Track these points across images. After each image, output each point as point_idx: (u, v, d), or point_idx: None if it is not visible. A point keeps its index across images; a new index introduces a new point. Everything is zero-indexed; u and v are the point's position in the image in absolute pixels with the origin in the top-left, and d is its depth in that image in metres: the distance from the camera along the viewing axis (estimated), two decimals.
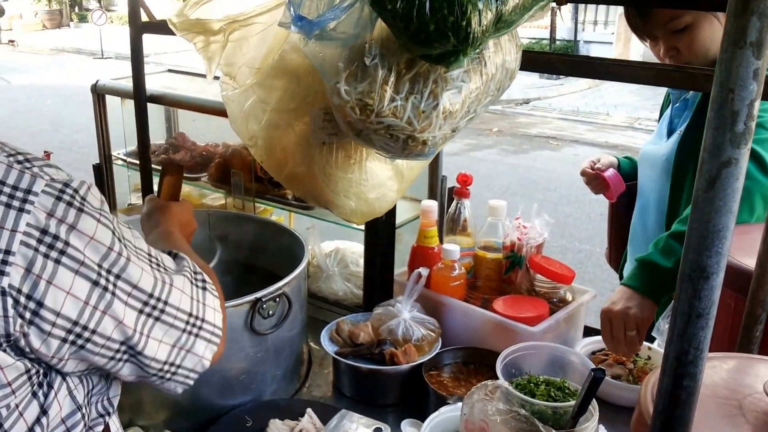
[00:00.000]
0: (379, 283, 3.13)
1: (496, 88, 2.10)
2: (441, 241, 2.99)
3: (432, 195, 3.34)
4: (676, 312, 1.27)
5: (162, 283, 1.53)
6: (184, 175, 2.52)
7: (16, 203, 1.33)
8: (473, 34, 1.75)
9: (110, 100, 4.14)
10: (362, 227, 3.09)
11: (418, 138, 1.96)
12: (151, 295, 1.50)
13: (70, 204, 1.39)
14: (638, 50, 19.09)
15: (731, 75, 1.13)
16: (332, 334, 2.83)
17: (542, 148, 13.74)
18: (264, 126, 2.34)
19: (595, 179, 3.31)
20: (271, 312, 2.51)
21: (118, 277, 1.44)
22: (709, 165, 1.17)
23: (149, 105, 3.79)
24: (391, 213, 2.99)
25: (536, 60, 2.41)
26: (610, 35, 22.49)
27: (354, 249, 3.53)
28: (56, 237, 1.35)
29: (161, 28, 2.43)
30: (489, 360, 2.50)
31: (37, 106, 16.19)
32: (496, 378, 2.06)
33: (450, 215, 2.98)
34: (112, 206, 4.18)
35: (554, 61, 2.45)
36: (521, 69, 2.24)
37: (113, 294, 1.43)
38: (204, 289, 1.66)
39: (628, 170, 3.38)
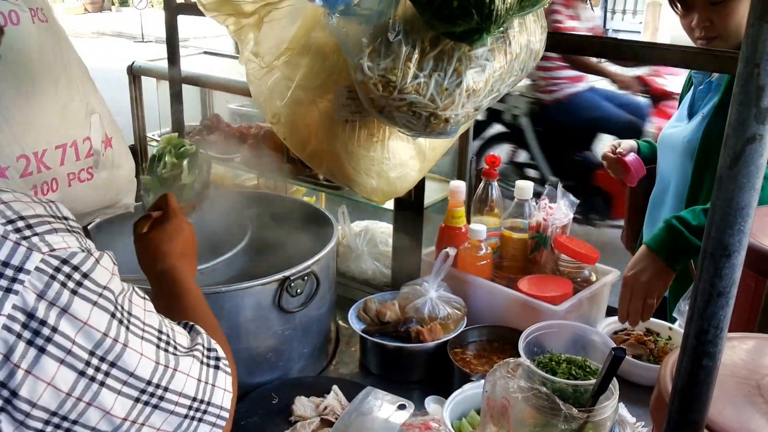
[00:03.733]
0: (407, 262, 3.12)
1: (520, 68, 2.08)
2: (468, 222, 2.98)
3: (460, 176, 3.32)
4: (696, 290, 1.24)
5: (164, 368, 1.38)
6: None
7: (3, 282, 1.20)
8: (496, 12, 1.73)
9: (146, 81, 4.15)
10: (391, 207, 3.09)
11: (440, 116, 1.94)
12: (149, 383, 1.35)
13: (64, 284, 1.25)
14: (665, 39, 18.89)
15: (757, 49, 1.10)
16: (360, 312, 2.82)
17: None
18: (288, 103, 2.31)
19: (616, 163, 3.29)
20: (299, 290, 2.50)
21: (112, 365, 1.30)
22: (734, 141, 1.14)
23: (185, 87, 3.78)
24: (420, 193, 2.99)
25: (563, 41, 2.38)
26: (638, 24, 22.24)
27: (383, 229, 3.52)
28: (43, 322, 1.22)
29: (195, 9, 2.41)
30: (513, 338, 2.48)
31: None
32: (519, 356, 2.05)
33: (478, 196, 2.96)
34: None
35: (581, 43, 2.43)
36: (548, 50, 2.21)
37: (102, 384, 1.28)
38: (216, 368, 1.52)
39: (648, 154, 3.35)
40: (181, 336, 1.50)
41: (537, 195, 2.93)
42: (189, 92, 4.03)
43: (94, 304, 1.28)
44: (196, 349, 1.50)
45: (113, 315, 1.31)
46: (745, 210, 1.16)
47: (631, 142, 3.38)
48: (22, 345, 1.20)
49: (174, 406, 1.40)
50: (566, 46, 2.46)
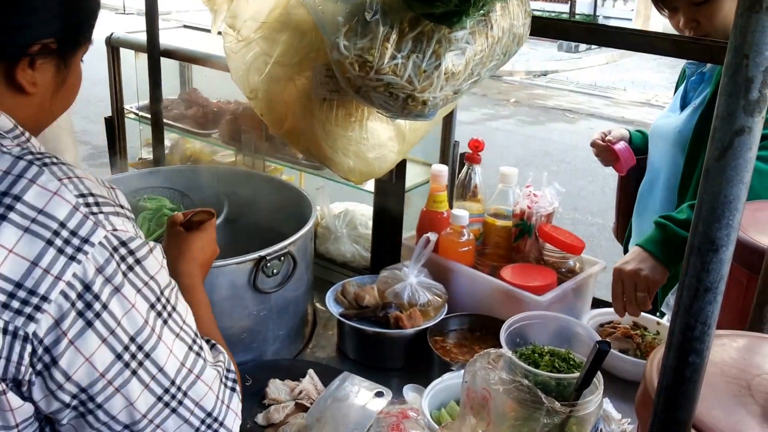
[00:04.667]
0: (387, 246, 3.09)
1: (502, 52, 2.05)
2: (451, 207, 2.94)
3: (444, 160, 3.28)
4: (683, 285, 1.21)
5: (187, 372, 1.41)
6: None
7: (69, 250, 1.25)
8: None
9: (125, 53, 4.08)
10: (372, 188, 3.05)
11: (418, 98, 1.92)
12: (173, 383, 1.38)
13: (119, 264, 1.30)
14: (657, 27, 18.94)
15: (746, 40, 1.07)
16: (338, 295, 2.79)
17: (558, 121, 13.65)
18: (265, 79, 2.29)
19: (605, 151, 3.27)
20: (275, 271, 2.46)
21: (147, 355, 1.34)
22: (722, 133, 1.11)
23: (164, 60, 3.73)
24: (401, 176, 2.96)
25: (551, 27, 2.34)
26: (630, 12, 22.33)
27: (363, 211, 3.47)
28: (97, 297, 1.27)
29: None
30: (495, 327, 2.45)
31: None
32: (500, 346, 2.01)
33: (460, 181, 2.93)
34: (123, 158, 4.13)
35: (570, 28, 2.38)
36: (535, 35, 2.19)
37: (134, 373, 1.32)
38: (233, 390, 1.54)
39: (640, 144, 3.33)
40: (207, 349, 1.52)
41: None
42: (169, 65, 3.98)
43: (139, 291, 1.33)
44: (219, 365, 1.52)
45: (153, 306, 1.36)
46: (733, 204, 1.13)
47: (622, 131, 3.36)
48: (73, 314, 1.25)
49: (189, 415, 1.42)
50: (553, 32, 2.41)
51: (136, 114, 4.16)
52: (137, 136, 4.28)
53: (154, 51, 3.62)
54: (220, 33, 2.38)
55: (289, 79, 2.28)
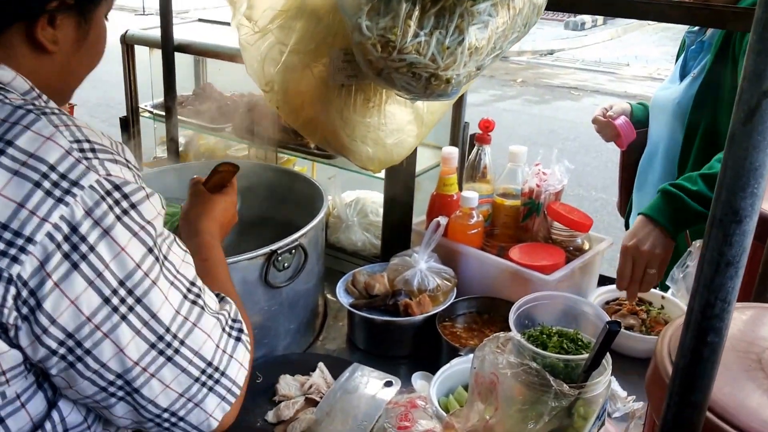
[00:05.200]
0: (397, 232, 3.01)
1: (522, 23, 1.96)
2: (461, 189, 2.86)
3: (454, 142, 3.21)
4: (703, 259, 1.11)
5: (183, 320, 1.34)
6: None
7: (57, 192, 1.21)
8: None
9: (140, 52, 4.01)
10: (383, 175, 2.98)
11: (441, 76, 1.83)
12: (167, 330, 1.31)
13: (111, 208, 1.25)
14: None
15: None
16: (348, 285, 2.72)
17: (564, 99, 13.59)
18: (281, 69, 2.20)
19: (606, 127, 3.23)
20: (286, 264, 2.39)
21: (138, 301, 1.27)
22: (748, 95, 1.00)
23: (179, 57, 3.67)
24: (412, 161, 2.87)
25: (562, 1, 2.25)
26: None
27: (374, 198, 3.40)
28: (83, 239, 1.22)
29: None
30: (504, 309, 2.38)
31: None
32: (510, 328, 1.94)
33: (470, 162, 2.85)
34: (138, 157, 4.06)
35: (582, 1, 2.29)
36: (548, 9, 2.10)
37: (123, 318, 1.26)
38: (238, 339, 1.47)
39: (642, 117, 3.26)
40: (211, 299, 1.47)
41: None
42: (184, 62, 3.95)
43: (135, 234, 1.28)
44: (221, 314, 1.46)
45: (150, 250, 1.30)
46: (759, 170, 1.03)
47: (623, 105, 3.30)
48: (58, 256, 1.20)
49: (187, 364, 1.35)
50: (566, 4, 2.32)
51: (151, 112, 4.09)
52: (152, 134, 4.22)
53: (168, 45, 3.55)
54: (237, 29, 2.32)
55: (306, 66, 2.20)
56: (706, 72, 2.79)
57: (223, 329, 1.44)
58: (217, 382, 1.40)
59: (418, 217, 2.99)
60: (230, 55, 3.53)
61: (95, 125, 1.35)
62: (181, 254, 1.41)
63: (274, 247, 2.33)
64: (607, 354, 1.74)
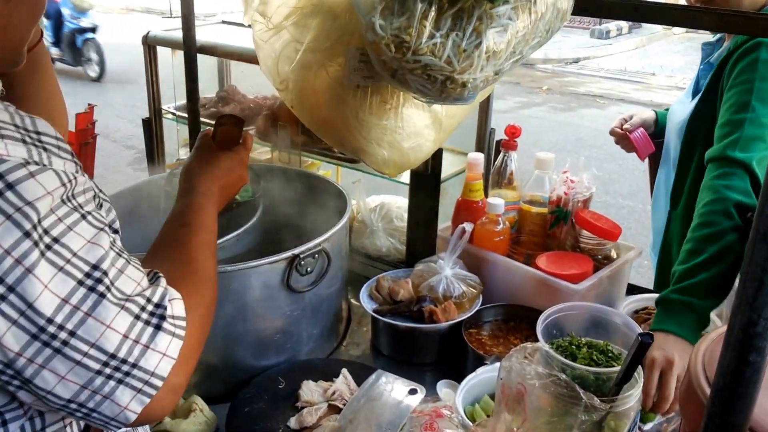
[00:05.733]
0: (422, 238, 2.97)
1: (545, 29, 1.91)
2: (486, 196, 2.84)
3: (480, 148, 3.17)
4: (745, 276, 1.06)
5: (72, 309, 1.20)
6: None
7: None
8: None
9: (163, 53, 3.99)
10: (407, 180, 2.94)
11: (457, 79, 1.77)
12: (50, 320, 1.18)
13: None
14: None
15: None
16: (372, 291, 2.69)
17: (589, 107, 13.54)
18: (296, 67, 2.15)
19: (623, 139, 3.13)
20: (309, 269, 2.35)
21: (10, 289, 1.15)
22: None
23: (202, 59, 3.63)
24: (437, 166, 2.84)
25: (593, 4, 2.19)
26: None
27: (399, 204, 3.36)
28: None
29: None
30: (530, 317, 2.36)
31: (106, 65, 16.24)
32: (536, 336, 1.91)
33: (496, 168, 2.83)
34: (160, 161, 4.05)
35: (611, 5, 2.24)
36: (577, 14, 2.05)
37: None
38: (157, 327, 1.31)
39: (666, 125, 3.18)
40: (127, 281, 1.30)
41: None
42: (207, 64, 3.91)
43: (8, 217, 1.15)
44: (133, 300, 1.29)
45: (27, 234, 1.16)
46: None
47: (645, 115, 3.22)
48: None
49: (81, 357, 1.21)
50: (594, 9, 2.27)
51: (174, 114, 4.06)
52: (175, 136, 4.20)
53: (190, 47, 3.51)
54: (250, 26, 2.28)
55: (321, 66, 2.16)
56: (701, 95, 2.73)
57: (137, 317, 1.28)
58: (127, 374, 1.26)
59: (443, 223, 2.95)
60: (253, 58, 3.50)
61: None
62: (90, 233, 1.26)
63: (296, 251, 2.30)
64: (639, 366, 1.70)
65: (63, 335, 1.19)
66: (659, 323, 2.22)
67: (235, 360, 2.36)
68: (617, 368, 1.71)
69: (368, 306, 2.61)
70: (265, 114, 3.66)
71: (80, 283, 1.22)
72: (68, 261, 1.21)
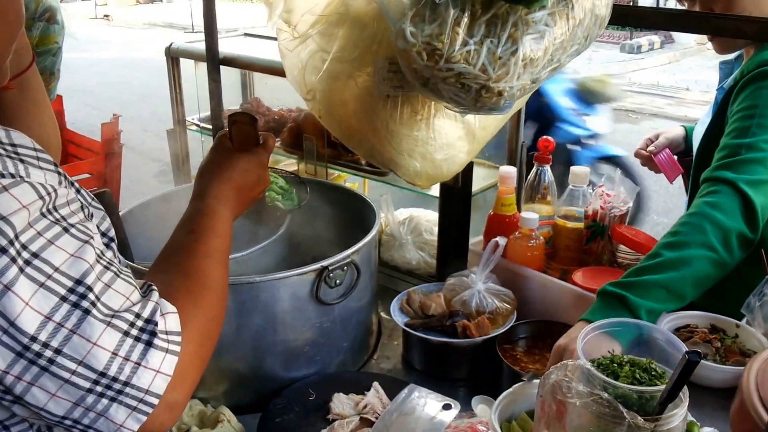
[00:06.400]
0: (453, 252, 2.94)
1: (583, 35, 1.87)
2: (519, 210, 2.81)
3: (511, 161, 3.14)
4: None
5: (56, 327, 1.18)
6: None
7: None
8: None
9: (186, 65, 4.00)
10: (437, 194, 2.92)
11: (492, 88, 1.72)
12: (33, 338, 1.16)
13: None
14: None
15: None
16: (403, 304, 2.66)
17: (621, 121, 13.43)
18: (323, 77, 2.12)
19: (649, 161, 3.07)
20: (338, 281, 2.34)
21: None
22: None
23: (225, 71, 3.64)
24: (468, 179, 2.82)
25: (630, 14, 2.16)
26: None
27: (428, 217, 3.35)
28: None
29: None
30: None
31: (129, 79, 16.41)
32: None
33: (529, 182, 2.80)
34: (185, 173, 4.04)
35: (649, 14, 2.21)
36: (614, 23, 2.01)
37: None
38: (148, 344, 1.27)
39: None
40: (115, 296, 1.27)
41: None
42: (230, 76, 3.92)
43: None
44: (120, 316, 1.26)
45: (3, 250, 1.13)
46: None
47: (671, 134, 3.15)
48: None
49: (70, 375, 1.19)
50: (632, 19, 2.24)
51: (198, 125, 4.06)
52: (200, 148, 4.20)
53: (213, 59, 3.50)
54: (275, 38, 2.26)
55: (349, 76, 2.12)
56: (711, 122, 2.68)
57: (126, 333, 1.25)
58: (120, 392, 1.24)
59: (474, 237, 2.93)
60: (277, 69, 3.49)
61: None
62: (73, 247, 1.23)
63: (325, 263, 2.29)
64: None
65: (48, 353, 1.17)
66: (588, 313, 2.22)
67: (264, 370, 2.36)
68: (661, 387, 1.67)
69: (399, 319, 2.59)
70: (290, 126, 3.66)
71: (63, 299, 1.19)
72: (49, 276, 1.18)
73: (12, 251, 1.14)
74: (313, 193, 2.84)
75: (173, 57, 3.93)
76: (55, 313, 1.17)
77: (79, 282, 1.21)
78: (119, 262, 1.33)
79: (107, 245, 1.32)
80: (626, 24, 2.20)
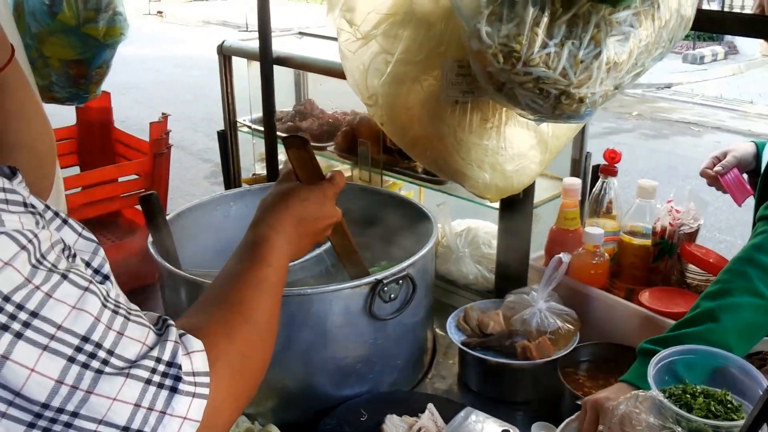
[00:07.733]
0: (513, 267, 2.85)
1: (668, 37, 1.79)
2: (582, 224, 2.74)
3: (575, 173, 3.05)
4: None
5: (70, 390, 1.07)
6: (312, 144, 2.11)
7: None
8: None
9: (238, 64, 3.95)
10: (497, 206, 2.83)
11: (573, 94, 1.65)
12: (45, 406, 1.06)
13: None
14: None
15: None
16: (459, 321, 2.59)
17: (683, 134, 13.32)
18: (386, 81, 2.07)
19: (716, 182, 2.92)
20: (393, 295, 2.27)
21: None
22: None
23: (279, 71, 3.58)
24: (529, 191, 2.71)
25: (705, 18, 2.06)
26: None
27: (487, 229, 3.26)
28: None
29: None
30: (631, 358, 2.22)
31: (182, 78, 16.51)
32: None
33: (594, 195, 2.72)
34: (236, 175, 4.00)
35: (725, 19, 2.11)
36: (692, 28, 1.92)
37: None
38: (173, 390, 1.18)
39: None
40: (130, 344, 1.17)
41: None
42: (284, 76, 3.89)
43: None
44: (140, 365, 1.16)
45: None
46: None
47: (739, 152, 2.94)
48: None
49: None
50: (707, 24, 2.14)
51: (249, 127, 4.02)
52: (251, 150, 4.16)
53: (266, 58, 3.45)
54: (333, 38, 2.20)
55: (414, 79, 2.07)
56: None
57: (147, 381, 1.16)
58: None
59: (535, 252, 2.86)
60: (332, 70, 3.43)
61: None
62: (74, 297, 1.12)
63: (379, 276, 2.22)
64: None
65: (65, 418, 1.08)
66: (628, 374, 2.04)
67: (314, 388, 2.31)
68: (739, 422, 1.58)
69: (455, 337, 2.52)
70: (344, 130, 3.60)
71: (71, 360, 1.09)
72: (53, 337, 1.07)
73: (2, 317, 1.04)
74: (368, 201, 2.79)
75: (225, 55, 3.88)
76: (66, 376, 1.08)
77: (85, 339, 1.11)
78: (125, 300, 1.24)
79: (102, 284, 1.22)
80: (700, 29, 2.10)
